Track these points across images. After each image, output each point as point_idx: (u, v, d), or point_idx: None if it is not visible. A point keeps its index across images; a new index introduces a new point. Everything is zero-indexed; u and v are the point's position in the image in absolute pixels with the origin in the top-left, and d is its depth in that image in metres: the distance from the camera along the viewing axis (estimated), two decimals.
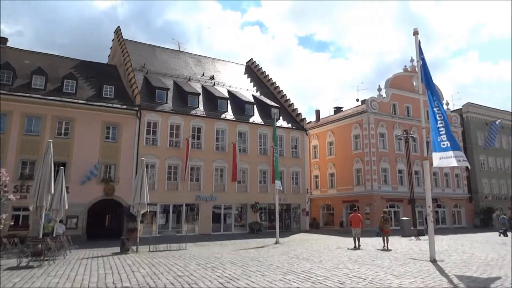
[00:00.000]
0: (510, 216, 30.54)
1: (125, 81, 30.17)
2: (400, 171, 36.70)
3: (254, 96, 36.22)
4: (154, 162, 27.17)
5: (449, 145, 10.67)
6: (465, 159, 10.85)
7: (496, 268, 9.97)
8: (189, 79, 34.36)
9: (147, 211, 18.83)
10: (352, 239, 16.75)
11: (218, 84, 35.85)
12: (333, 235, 26.15)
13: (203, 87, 33.92)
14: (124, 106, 26.88)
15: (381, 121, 37.17)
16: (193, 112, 29.87)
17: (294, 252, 14.33)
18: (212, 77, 36.39)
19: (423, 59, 12.39)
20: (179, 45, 41.39)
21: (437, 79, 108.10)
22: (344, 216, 36.13)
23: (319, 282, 7.93)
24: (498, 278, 8.44)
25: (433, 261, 11.00)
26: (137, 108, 27.09)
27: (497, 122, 42.09)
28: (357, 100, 43.35)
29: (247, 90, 37.19)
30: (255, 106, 34.16)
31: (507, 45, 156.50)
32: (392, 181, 36.40)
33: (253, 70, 42.67)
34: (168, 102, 29.54)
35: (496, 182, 44.68)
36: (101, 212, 33.87)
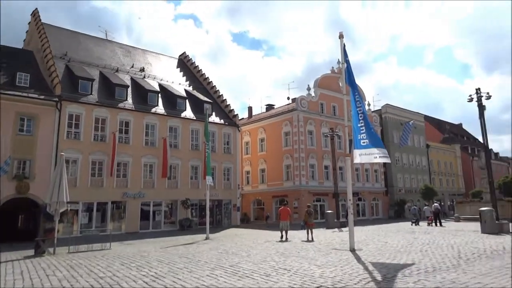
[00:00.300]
0: (419, 207, 34.03)
1: (43, 69, 27.61)
2: (326, 167, 38.75)
3: (186, 91, 35.55)
4: (77, 157, 25.37)
5: (368, 142, 11.57)
6: (386, 155, 11.76)
7: (405, 254, 11.02)
8: (117, 70, 32.59)
9: (67, 209, 17.54)
10: (279, 231, 17.55)
11: (148, 76, 34.53)
12: (263, 229, 26.79)
13: (132, 79, 32.41)
14: (42, 97, 24.63)
15: (310, 119, 38.87)
16: (121, 105, 28.42)
17: (224, 247, 14.41)
18: (142, 69, 34.94)
19: (347, 61, 13.18)
20: (106, 34, 39.06)
21: (361, 81, 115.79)
22: (274, 211, 37.22)
23: (246, 276, 8.08)
24: (407, 264, 9.34)
25: (353, 250, 11.80)
26: (56, 99, 24.99)
27: (410, 123, 46.37)
28: (288, 98, 44.85)
29: (179, 84, 36.37)
30: (187, 100, 33.55)
31: (420, 53, 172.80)
32: (319, 176, 38.32)
33: (186, 64, 41.83)
34: (93, 93, 27.73)
35: (408, 176, 49.36)
36: (14, 213, 30.74)
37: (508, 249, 11.75)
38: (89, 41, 35.06)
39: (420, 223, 27.31)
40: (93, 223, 25.68)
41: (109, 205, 26.77)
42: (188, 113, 32.60)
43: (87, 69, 29.83)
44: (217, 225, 31.66)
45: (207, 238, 18.91)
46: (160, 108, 30.81)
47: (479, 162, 50.76)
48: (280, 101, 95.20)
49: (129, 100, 29.51)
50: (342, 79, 13.43)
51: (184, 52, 43.24)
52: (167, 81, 35.47)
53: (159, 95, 31.75)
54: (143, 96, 30.65)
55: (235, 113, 36.46)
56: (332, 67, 42.88)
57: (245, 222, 35.93)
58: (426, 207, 29.85)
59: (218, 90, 38.71)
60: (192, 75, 40.38)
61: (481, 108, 20.68)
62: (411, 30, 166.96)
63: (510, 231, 18.37)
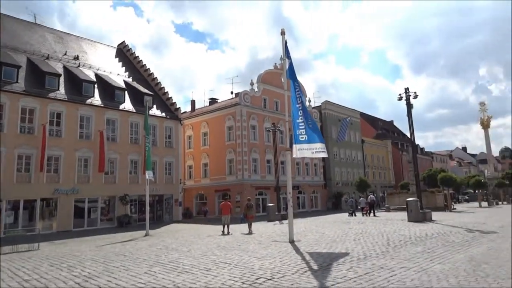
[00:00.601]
0: (356, 199, 36.08)
1: None
2: (268, 161, 39.44)
3: (125, 82, 33.98)
4: None
5: (306, 138, 12.01)
6: (323, 150, 12.23)
7: (340, 243, 11.63)
8: (48, 58, 30.16)
9: None
10: (221, 226, 17.62)
11: (84, 65, 32.42)
12: (206, 224, 26.63)
13: (65, 67, 30.21)
14: None
15: (253, 114, 39.23)
16: (51, 95, 26.40)
17: (164, 243, 14.09)
18: (76, 57, 32.70)
19: (289, 58, 13.47)
20: (35, 17, 35.83)
21: (302, 78, 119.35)
22: (216, 205, 37.14)
23: (186, 271, 7.98)
24: (342, 253, 9.85)
25: (292, 242, 12.18)
26: None
27: (347, 119, 48.86)
28: (232, 92, 44.82)
29: (118, 75, 34.64)
30: (126, 92, 32.09)
31: (357, 54, 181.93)
32: (261, 170, 38.91)
33: (125, 54, 39.93)
34: (19, 81, 25.42)
35: (345, 170, 51.99)
36: None
37: (430, 235, 12.89)
38: (15, 24, 31.96)
39: (356, 213, 28.93)
40: (19, 223, 23.65)
41: (38, 203, 24.85)
42: (127, 105, 31.21)
43: (12, 55, 27.23)
44: (158, 221, 30.85)
45: (146, 235, 18.36)
46: (96, 100, 29.13)
47: (407, 157, 54.91)
48: (224, 96, 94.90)
49: (61, 90, 27.49)
50: (284, 75, 13.72)
51: (124, 41, 41.24)
52: (105, 71, 33.59)
53: (95, 85, 29.99)
54: (77, 86, 28.74)
55: (178, 106, 35.65)
56: (275, 63, 43.56)
57: (187, 217, 35.44)
58: (361, 198, 31.67)
59: (159, 82, 37.52)
60: (132, 65, 38.69)
61: (409, 106, 22.34)
62: (348, 31, 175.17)
63: (432, 219, 20.19)
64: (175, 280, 7.17)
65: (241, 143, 37.35)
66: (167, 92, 36.67)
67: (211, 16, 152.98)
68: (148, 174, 19.45)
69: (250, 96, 39.54)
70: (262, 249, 10.90)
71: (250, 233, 16.45)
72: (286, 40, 13.48)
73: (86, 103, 28.13)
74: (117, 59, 38.29)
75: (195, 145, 41.72)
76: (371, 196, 30.73)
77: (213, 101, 47.28)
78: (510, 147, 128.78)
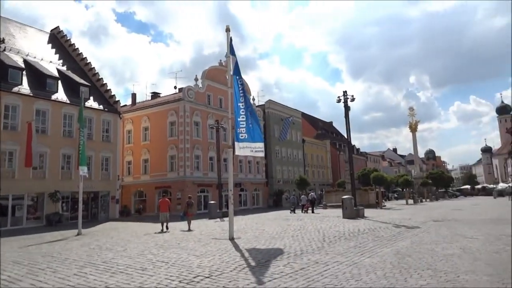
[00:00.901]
0: (297, 196, 37.19)
1: None
2: (211, 158, 39.17)
3: (59, 71, 31.66)
4: None
5: (246, 137, 12.15)
6: (261, 149, 12.51)
7: (279, 239, 11.90)
8: None
9: None
10: (160, 223, 17.22)
11: (11, 50, 29.63)
12: (144, 222, 25.76)
13: None
14: None
15: (197, 110, 38.70)
16: None
17: (97, 242, 13.38)
18: (2, 41, 29.72)
19: (234, 55, 13.46)
20: None
21: (247, 76, 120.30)
22: (156, 203, 36.11)
23: (120, 271, 7.65)
24: (280, 249, 10.08)
25: (232, 239, 12.22)
26: None
27: (290, 119, 50.16)
28: (175, 87, 43.83)
29: (50, 63, 32.15)
30: (59, 81, 29.91)
31: (300, 55, 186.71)
32: (203, 167, 38.53)
33: (59, 41, 37.19)
34: None
35: (286, 168, 53.34)
36: None
37: (362, 230, 13.68)
38: None
39: (297, 210, 29.80)
40: None
41: None
42: (61, 95, 29.12)
43: None
44: (93, 219, 29.23)
45: (79, 234, 17.29)
46: (24, 88, 26.79)
47: (344, 156, 57.72)
48: (167, 90, 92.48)
49: None
50: (229, 72, 13.69)
51: (58, 27, 38.38)
52: (35, 58, 31.00)
53: (24, 72, 27.58)
54: (2, 72, 26.20)
55: (117, 99, 34.00)
56: (220, 60, 43.33)
57: (125, 215, 34.00)
58: (303, 196, 32.72)
59: (97, 72, 35.50)
60: (67, 53, 36.15)
61: (347, 109, 23.49)
62: (293, 32, 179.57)
63: (365, 215, 21.44)
64: (108, 281, 6.84)
65: (184, 139, 36.67)
66: (105, 83, 34.82)
67: (155, 7, 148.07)
68: (82, 170, 18.31)
69: (194, 92, 38.95)
70: (201, 247, 10.80)
71: (189, 230, 16.29)
72: (231, 37, 13.46)
73: (12, 91, 25.75)
74: (50, 45, 35.53)
75: (135, 140, 40.16)
76: (312, 194, 31.89)
77: (155, 95, 45.84)
78: (434, 149, 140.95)
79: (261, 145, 12.45)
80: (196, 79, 39.97)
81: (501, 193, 51.44)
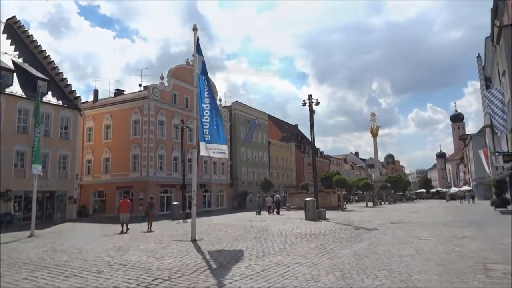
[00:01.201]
0: (263, 198, 37.27)
1: None
2: (175, 158, 38.51)
3: (14, 63, 29.95)
4: None
5: (210, 138, 12.11)
6: (223, 151, 12.59)
7: (242, 241, 11.89)
8: None
9: None
10: (120, 224, 16.74)
11: None
12: (104, 223, 24.89)
13: None
14: None
15: (162, 109, 37.96)
16: None
17: (51, 244, 12.76)
18: None
19: (201, 55, 13.34)
20: None
21: (214, 77, 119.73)
22: (117, 203, 35.01)
23: (74, 275, 7.34)
24: (242, 251, 10.07)
25: (194, 240, 12.07)
26: None
27: (256, 121, 50.38)
28: (140, 85, 42.76)
29: (5, 54, 30.29)
30: (15, 74, 28.29)
31: (267, 58, 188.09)
32: (167, 167, 37.83)
33: (16, 31, 35.19)
34: None
35: (251, 170, 53.49)
36: None
37: (323, 232, 13.97)
38: None
39: (262, 212, 29.93)
40: None
41: None
42: (16, 89, 27.55)
43: None
44: (48, 220, 27.82)
45: (31, 235, 16.40)
46: None
47: (308, 159, 58.62)
48: (132, 88, 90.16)
49: None
50: (195, 71, 13.54)
51: (15, 17, 36.32)
52: None
53: None
54: None
55: (78, 95, 32.64)
56: (188, 59, 42.75)
57: (83, 215, 32.67)
58: (268, 198, 32.91)
59: (57, 66, 33.92)
60: (24, 45, 34.27)
61: (311, 112, 23.93)
62: (261, 35, 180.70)
63: (326, 217, 21.91)
64: (60, 285, 6.55)
65: (148, 139, 35.83)
66: (65, 78, 33.34)
67: (121, 2, 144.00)
68: (36, 168, 17.37)
69: (160, 90, 38.18)
70: (162, 249, 10.58)
71: (150, 231, 15.95)
72: (198, 37, 13.34)
73: None
74: (5, 35, 33.52)
75: (96, 138, 38.74)
76: (277, 195, 32.18)
77: (119, 92, 44.49)
78: (393, 154, 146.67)
79: (224, 147, 12.47)
80: (162, 78, 39.22)
81: (453, 197, 54.32)
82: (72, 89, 32.85)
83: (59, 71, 33.64)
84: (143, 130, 36.10)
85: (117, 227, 17.36)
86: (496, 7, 19.35)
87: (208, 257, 9.15)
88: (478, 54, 32.02)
